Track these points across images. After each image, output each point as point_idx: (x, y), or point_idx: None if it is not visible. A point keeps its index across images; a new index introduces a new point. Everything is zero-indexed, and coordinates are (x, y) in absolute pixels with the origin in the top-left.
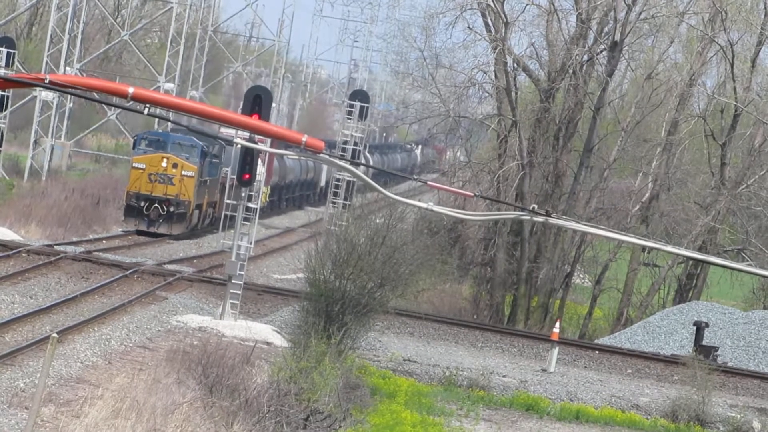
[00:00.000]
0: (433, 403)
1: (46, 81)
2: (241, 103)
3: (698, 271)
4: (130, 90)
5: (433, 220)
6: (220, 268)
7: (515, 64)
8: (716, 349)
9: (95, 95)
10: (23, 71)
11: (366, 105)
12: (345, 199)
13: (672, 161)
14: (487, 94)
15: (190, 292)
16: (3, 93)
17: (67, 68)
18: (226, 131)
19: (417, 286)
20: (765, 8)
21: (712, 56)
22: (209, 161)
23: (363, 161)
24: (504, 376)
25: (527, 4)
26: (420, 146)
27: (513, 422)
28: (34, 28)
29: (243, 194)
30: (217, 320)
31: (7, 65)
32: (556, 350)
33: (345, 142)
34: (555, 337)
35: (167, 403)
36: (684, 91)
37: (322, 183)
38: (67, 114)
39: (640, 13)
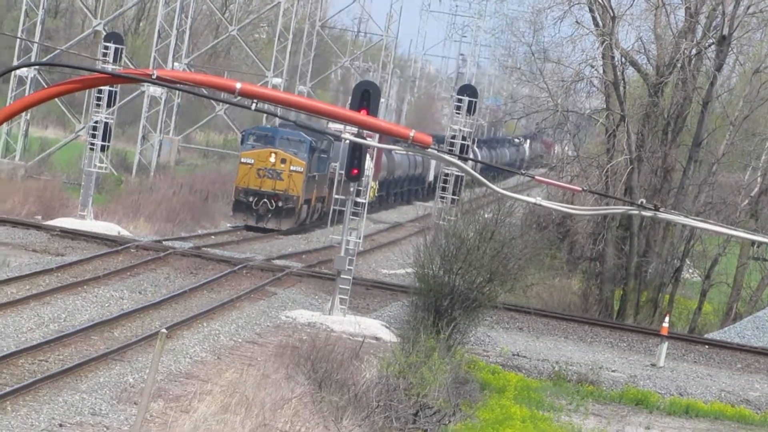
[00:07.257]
0: (543, 398)
1: (154, 76)
2: (350, 98)
3: None
4: (238, 85)
5: (542, 215)
6: (329, 263)
7: (623, 59)
8: None
9: (203, 91)
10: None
11: (474, 99)
12: (453, 193)
13: None
14: (595, 89)
15: (299, 287)
16: (111, 88)
17: (175, 64)
18: (334, 126)
19: (526, 281)
20: None
21: None
22: (317, 156)
23: (471, 156)
24: (613, 371)
25: None
26: (528, 141)
27: (622, 417)
28: (141, 24)
29: (351, 189)
30: (325, 315)
31: (115, 61)
32: (665, 345)
33: (453, 137)
34: (664, 332)
35: (276, 398)
36: None
37: (431, 178)
38: (175, 109)
39: (748, 7)
